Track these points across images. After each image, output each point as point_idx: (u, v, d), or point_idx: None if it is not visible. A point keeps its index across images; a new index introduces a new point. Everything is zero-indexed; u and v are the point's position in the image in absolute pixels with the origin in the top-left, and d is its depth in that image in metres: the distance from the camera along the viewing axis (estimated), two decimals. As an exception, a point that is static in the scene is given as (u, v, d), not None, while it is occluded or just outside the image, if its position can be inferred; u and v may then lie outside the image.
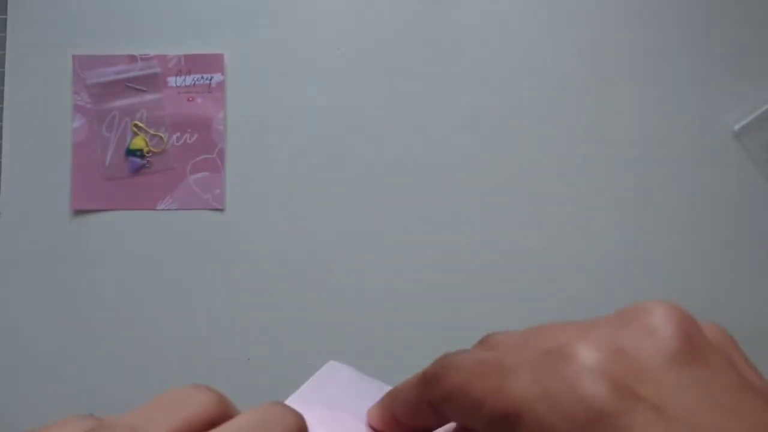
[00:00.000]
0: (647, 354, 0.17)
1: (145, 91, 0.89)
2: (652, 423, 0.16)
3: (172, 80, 0.89)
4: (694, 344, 0.17)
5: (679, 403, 0.16)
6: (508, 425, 0.18)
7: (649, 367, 0.17)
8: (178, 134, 0.89)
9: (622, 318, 0.19)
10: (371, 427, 0.24)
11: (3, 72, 0.89)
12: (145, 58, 0.90)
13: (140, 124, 0.89)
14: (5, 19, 0.90)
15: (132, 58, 0.90)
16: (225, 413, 0.18)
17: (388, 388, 0.24)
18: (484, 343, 0.23)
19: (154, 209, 0.88)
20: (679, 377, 0.17)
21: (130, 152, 0.89)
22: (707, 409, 0.16)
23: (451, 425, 0.23)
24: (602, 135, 0.90)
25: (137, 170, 0.89)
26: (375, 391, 0.24)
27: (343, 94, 0.89)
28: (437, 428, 0.23)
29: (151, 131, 0.89)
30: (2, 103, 0.89)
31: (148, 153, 0.89)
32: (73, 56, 0.89)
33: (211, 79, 0.90)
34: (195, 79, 0.90)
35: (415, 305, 0.87)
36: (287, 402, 0.23)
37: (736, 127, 0.89)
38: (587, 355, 0.17)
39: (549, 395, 0.17)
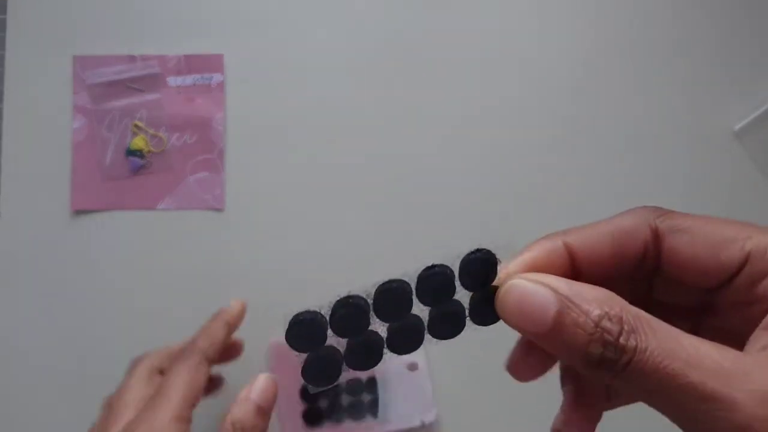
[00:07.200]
0: None
1: (145, 91, 0.89)
2: None
3: (172, 80, 0.90)
4: None
5: None
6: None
7: None
8: (178, 134, 0.89)
9: None
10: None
11: (3, 72, 0.89)
12: (145, 58, 0.90)
13: (140, 124, 0.89)
14: (5, 19, 0.90)
15: (132, 58, 0.90)
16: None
17: None
18: None
19: (154, 209, 0.88)
20: None
21: (130, 152, 0.89)
22: None
23: None
24: (601, 135, 0.90)
25: (137, 170, 0.89)
26: None
27: (343, 94, 0.89)
28: None
29: (151, 131, 0.89)
30: (2, 103, 0.89)
31: (148, 153, 0.89)
32: (73, 56, 0.89)
33: (211, 79, 0.90)
34: (195, 79, 0.90)
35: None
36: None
37: (736, 127, 0.90)
38: None
39: None
